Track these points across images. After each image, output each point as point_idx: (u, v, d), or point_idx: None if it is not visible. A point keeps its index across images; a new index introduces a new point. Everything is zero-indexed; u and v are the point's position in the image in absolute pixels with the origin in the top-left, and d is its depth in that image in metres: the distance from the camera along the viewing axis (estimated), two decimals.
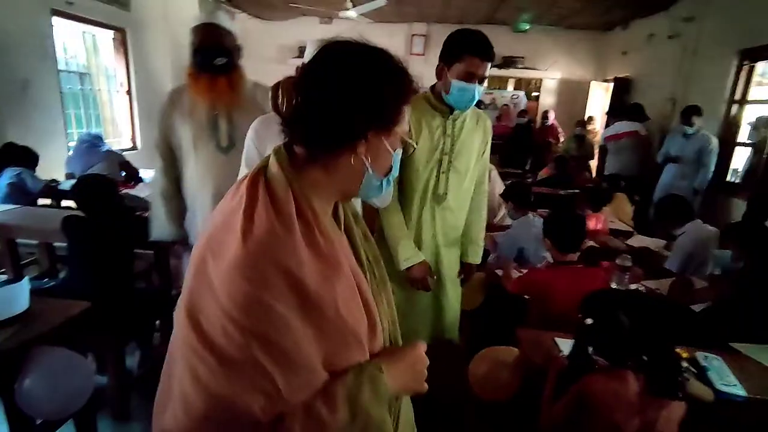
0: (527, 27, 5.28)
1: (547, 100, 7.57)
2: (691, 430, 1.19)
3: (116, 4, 4.37)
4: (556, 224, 1.84)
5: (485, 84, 1.47)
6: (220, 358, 0.55)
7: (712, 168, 3.96)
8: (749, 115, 4.11)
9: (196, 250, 0.63)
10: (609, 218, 3.48)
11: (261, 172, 0.64)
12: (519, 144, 6.23)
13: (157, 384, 0.64)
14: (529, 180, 5.02)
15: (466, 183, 1.63)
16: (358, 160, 0.65)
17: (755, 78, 4.01)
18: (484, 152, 1.67)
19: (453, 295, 1.73)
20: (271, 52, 7.25)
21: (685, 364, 1.43)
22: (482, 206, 1.76)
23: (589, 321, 1.19)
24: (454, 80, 1.42)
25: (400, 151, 0.71)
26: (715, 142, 3.96)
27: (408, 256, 1.56)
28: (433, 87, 1.55)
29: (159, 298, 2.19)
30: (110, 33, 4.52)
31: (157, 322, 2.24)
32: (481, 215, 1.76)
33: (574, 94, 7.23)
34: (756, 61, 3.94)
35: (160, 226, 1.79)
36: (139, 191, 3.24)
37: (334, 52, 0.65)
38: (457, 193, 1.61)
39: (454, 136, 1.56)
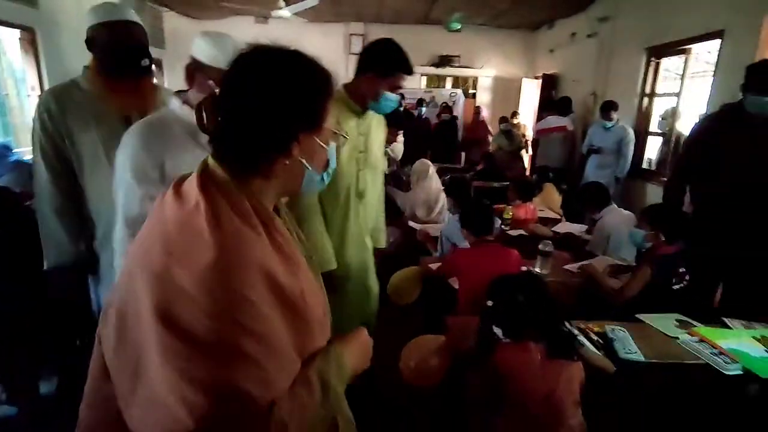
0: (459, 26, 5.45)
1: (483, 97, 7.87)
2: (597, 397, 1.29)
3: (22, 1, 4.01)
4: (467, 214, 2.04)
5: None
6: (214, 355, 0.58)
7: (630, 157, 4.29)
8: (658, 107, 4.50)
9: (149, 262, 0.62)
10: (539, 207, 3.68)
11: (207, 178, 0.66)
12: (445, 140, 6.37)
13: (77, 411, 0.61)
14: (469, 175, 5.21)
15: (377, 177, 1.76)
16: (295, 161, 0.68)
17: (661, 73, 4.39)
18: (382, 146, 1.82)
19: (375, 282, 1.87)
20: None
21: (594, 337, 1.56)
22: (383, 196, 1.92)
23: (489, 303, 1.29)
24: (386, 92, 1.56)
25: (334, 145, 0.75)
26: (631, 133, 4.30)
27: (331, 257, 1.60)
28: (346, 87, 1.59)
29: (78, 313, 2.04)
30: (17, 33, 4.14)
31: (78, 341, 2.09)
32: (383, 205, 1.92)
33: (507, 91, 7.56)
34: (661, 58, 4.32)
35: (59, 249, 1.52)
36: None
37: (248, 61, 0.67)
38: (372, 188, 1.73)
39: (366, 135, 1.66)
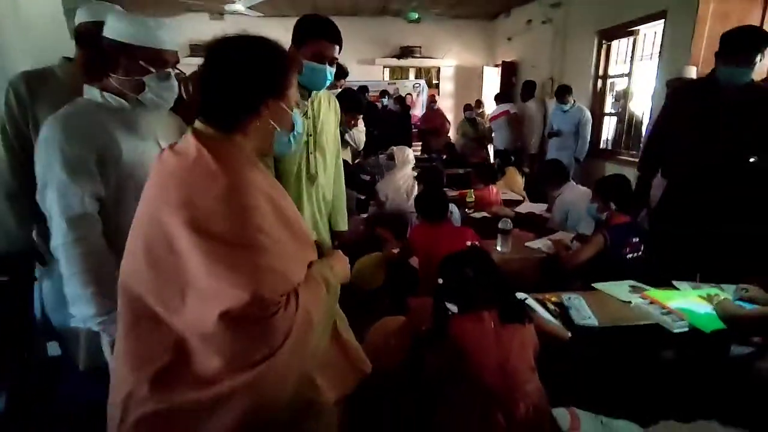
0: (416, 16, 5.46)
1: (446, 86, 7.94)
2: (553, 363, 1.32)
3: None
4: (421, 201, 2.10)
5: (334, 67, 1.53)
6: (243, 246, 0.75)
7: (588, 138, 4.42)
8: (612, 88, 4.65)
9: (169, 200, 0.77)
10: (502, 190, 3.75)
11: (200, 135, 0.83)
12: (398, 130, 5.97)
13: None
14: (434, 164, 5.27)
15: (329, 159, 1.72)
16: (265, 122, 0.86)
17: (613, 55, 4.54)
18: (337, 129, 1.78)
19: None
20: None
21: (551, 306, 1.60)
22: (340, 179, 1.88)
23: (440, 281, 1.33)
24: (306, 61, 1.45)
25: (297, 111, 0.91)
26: (587, 114, 4.42)
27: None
28: None
29: (19, 323, 1.91)
30: None
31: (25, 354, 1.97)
32: (342, 187, 1.89)
33: (469, 80, 7.66)
34: (611, 40, 4.46)
35: (7, 235, 1.44)
36: None
37: (224, 44, 0.85)
38: (324, 171, 1.70)
39: (314, 117, 1.61)
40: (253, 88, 0.84)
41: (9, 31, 4.58)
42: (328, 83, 1.56)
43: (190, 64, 1.15)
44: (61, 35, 1.73)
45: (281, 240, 0.80)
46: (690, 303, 1.62)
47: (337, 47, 1.51)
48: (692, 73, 2.68)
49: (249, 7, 5.03)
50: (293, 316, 0.77)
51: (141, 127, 1.19)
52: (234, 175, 0.77)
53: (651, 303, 1.63)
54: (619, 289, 1.76)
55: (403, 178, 3.08)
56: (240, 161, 0.82)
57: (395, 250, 2.18)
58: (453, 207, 2.44)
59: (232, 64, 0.83)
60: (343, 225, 1.88)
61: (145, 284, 0.79)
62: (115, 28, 1.12)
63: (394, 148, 3.26)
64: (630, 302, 1.66)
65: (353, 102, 2.96)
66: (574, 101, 4.48)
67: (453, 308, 1.31)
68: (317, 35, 1.47)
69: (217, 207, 0.74)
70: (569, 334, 1.41)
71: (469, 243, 1.50)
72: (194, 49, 7.18)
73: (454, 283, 1.34)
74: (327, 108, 1.70)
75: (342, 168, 1.90)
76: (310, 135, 1.60)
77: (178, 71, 1.24)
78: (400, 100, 6.32)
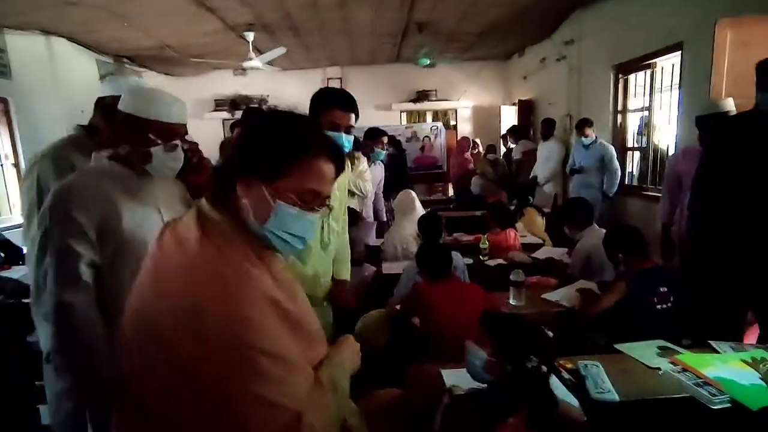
0: (428, 62, 5.53)
1: (464, 127, 7.94)
2: None
3: None
4: (423, 257, 1.96)
5: (351, 135, 1.57)
6: (241, 374, 0.68)
7: (618, 173, 4.18)
8: (632, 122, 4.49)
9: (169, 305, 0.71)
10: (521, 233, 3.57)
11: (205, 221, 0.77)
12: (394, 172, 5.24)
13: None
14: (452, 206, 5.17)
15: (340, 223, 1.75)
16: (243, 200, 0.77)
17: (631, 89, 4.41)
18: (344, 190, 1.81)
19: (325, 314, 1.77)
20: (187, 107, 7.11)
21: (566, 375, 1.42)
22: (344, 237, 1.86)
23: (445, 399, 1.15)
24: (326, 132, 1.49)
25: (289, 208, 0.77)
26: (611, 149, 4.24)
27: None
28: None
29: None
30: None
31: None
32: (345, 238, 1.85)
33: (488, 119, 7.63)
34: (628, 74, 4.34)
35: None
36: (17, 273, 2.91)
37: (248, 115, 0.91)
38: (335, 235, 1.71)
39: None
40: (242, 158, 0.78)
41: (49, 98, 4.94)
42: (346, 151, 1.57)
43: (214, 118, 1.17)
44: (95, 97, 1.81)
45: (282, 354, 0.73)
46: (731, 371, 1.39)
47: (353, 115, 1.55)
48: (728, 105, 2.44)
49: (267, 63, 5.26)
50: None
51: (144, 194, 1.21)
52: (236, 284, 0.71)
53: (684, 370, 1.41)
54: (646, 352, 1.55)
55: (411, 225, 2.97)
56: (246, 256, 0.75)
57: (398, 307, 2.05)
58: (457, 258, 2.27)
59: (242, 135, 0.81)
60: (345, 273, 1.84)
61: (143, 382, 0.74)
62: (130, 102, 1.18)
63: (402, 193, 3.20)
64: (659, 369, 1.45)
65: (372, 131, 3.28)
66: (596, 137, 4.31)
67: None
68: (331, 105, 1.51)
69: (215, 325, 0.68)
70: (584, 418, 1.21)
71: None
72: (219, 104, 7.56)
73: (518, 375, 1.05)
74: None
75: (346, 221, 1.87)
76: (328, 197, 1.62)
77: (188, 141, 1.29)
78: (393, 141, 5.98)
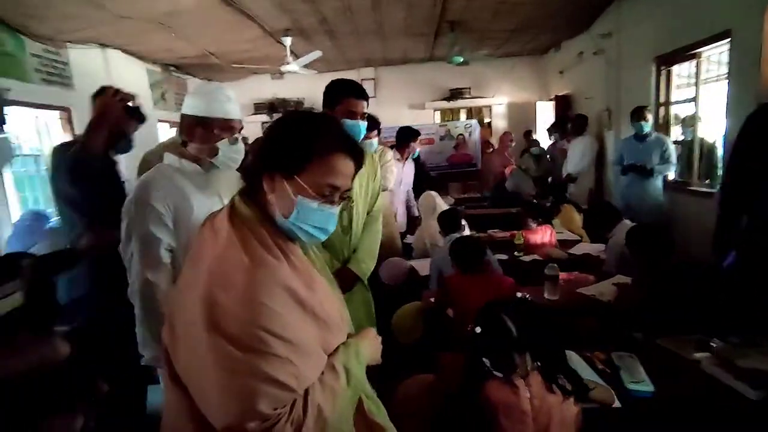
0: (461, 60, 5.53)
1: (499, 124, 7.84)
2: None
3: (58, 84, 4.46)
4: (455, 250, 2.00)
5: (365, 121, 1.67)
6: (253, 354, 0.74)
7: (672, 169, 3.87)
8: (676, 115, 4.31)
9: (197, 289, 0.78)
10: (557, 229, 3.53)
11: (235, 215, 0.84)
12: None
13: None
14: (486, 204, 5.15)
15: (361, 209, 1.79)
16: (269, 195, 0.84)
17: (674, 80, 4.24)
18: (375, 182, 1.84)
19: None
20: None
21: (600, 366, 1.43)
22: (373, 228, 1.86)
23: (477, 329, 1.20)
24: (344, 120, 1.60)
25: (309, 202, 0.83)
26: (670, 140, 3.93)
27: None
28: None
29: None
30: (56, 113, 4.58)
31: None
32: (371, 235, 1.84)
33: (523, 116, 7.51)
34: (671, 65, 4.18)
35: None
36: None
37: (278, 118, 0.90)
38: (358, 220, 1.77)
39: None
40: (265, 155, 0.85)
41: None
42: (361, 136, 1.68)
43: (253, 122, 1.30)
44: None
45: (295, 338, 0.78)
46: None
47: (365, 102, 1.65)
48: None
49: (304, 66, 5.43)
50: (300, 420, 0.76)
51: (209, 186, 1.38)
52: (255, 270, 0.77)
53: (723, 363, 1.39)
54: (684, 345, 1.54)
55: (436, 223, 3.03)
56: (267, 246, 0.81)
57: (432, 299, 2.10)
58: (489, 254, 2.31)
59: (265, 133, 0.88)
60: (355, 265, 1.80)
61: (176, 357, 0.83)
62: (192, 105, 1.34)
63: (423, 195, 3.26)
64: (699, 362, 1.43)
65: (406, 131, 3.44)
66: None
67: (487, 363, 1.20)
68: (345, 95, 1.61)
69: (233, 306, 0.75)
70: (615, 398, 1.23)
71: (519, 294, 1.37)
72: (258, 107, 7.85)
73: (493, 335, 1.21)
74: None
75: (377, 217, 1.90)
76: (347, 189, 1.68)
77: (244, 136, 1.46)
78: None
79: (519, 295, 1.34)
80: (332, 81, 1.67)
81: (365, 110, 1.65)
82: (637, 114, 3.86)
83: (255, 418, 0.72)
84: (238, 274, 0.76)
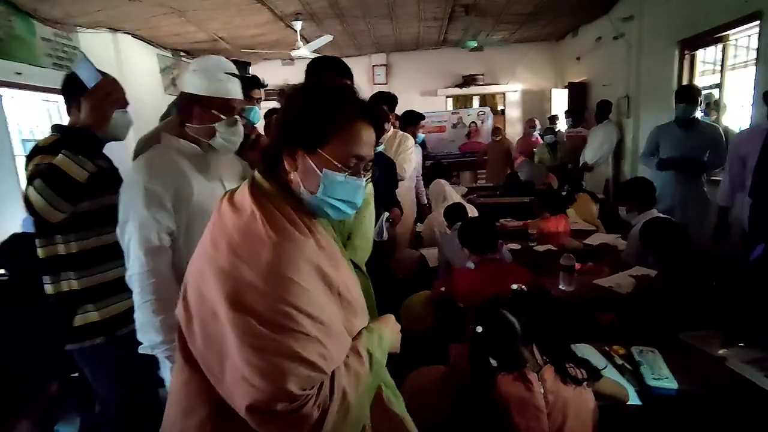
0: (475, 45, 5.39)
1: (513, 112, 7.68)
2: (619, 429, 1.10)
3: (67, 69, 4.46)
4: (466, 232, 1.93)
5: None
6: (279, 331, 0.69)
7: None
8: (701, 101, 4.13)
9: (217, 262, 0.74)
10: (573, 219, 3.44)
11: (257, 189, 0.80)
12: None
13: None
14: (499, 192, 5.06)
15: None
16: (293, 173, 0.81)
17: (698, 66, 4.07)
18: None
19: None
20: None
21: (619, 361, 1.37)
22: (366, 212, 1.76)
23: (479, 329, 1.14)
24: None
25: (335, 175, 0.80)
26: (720, 129, 3.20)
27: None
28: None
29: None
30: None
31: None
32: (364, 220, 1.75)
33: (538, 103, 7.35)
34: (695, 50, 4.01)
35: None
36: None
37: (288, 94, 0.84)
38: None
39: None
40: (285, 132, 0.81)
41: None
42: None
43: (264, 108, 1.24)
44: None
45: (322, 317, 0.74)
46: None
47: (348, 81, 1.56)
48: None
49: (314, 51, 5.34)
50: (326, 403, 0.72)
51: (210, 169, 1.32)
52: (283, 247, 0.73)
53: (752, 361, 1.32)
54: (709, 341, 1.47)
55: None
56: (293, 221, 0.78)
57: (442, 289, 2.05)
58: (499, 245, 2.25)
59: (282, 111, 0.84)
60: (351, 252, 1.68)
61: (191, 336, 0.79)
62: (191, 83, 1.28)
63: (433, 183, 3.20)
64: (724, 359, 1.36)
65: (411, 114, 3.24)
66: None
67: (495, 363, 1.16)
68: (320, 70, 1.55)
69: (259, 280, 0.71)
70: (627, 395, 1.17)
71: (514, 286, 1.31)
72: (268, 94, 7.79)
73: (496, 332, 1.17)
74: None
75: (369, 201, 1.80)
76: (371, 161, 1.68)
77: (245, 118, 1.37)
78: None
79: (515, 286, 1.27)
80: (314, 59, 1.61)
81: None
82: (684, 94, 3.04)
83: (284, 398, 0.68)
84: (264, 248, 0.72)
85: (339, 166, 0.79)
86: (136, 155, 1.55)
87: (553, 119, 6.10)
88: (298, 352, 0.70)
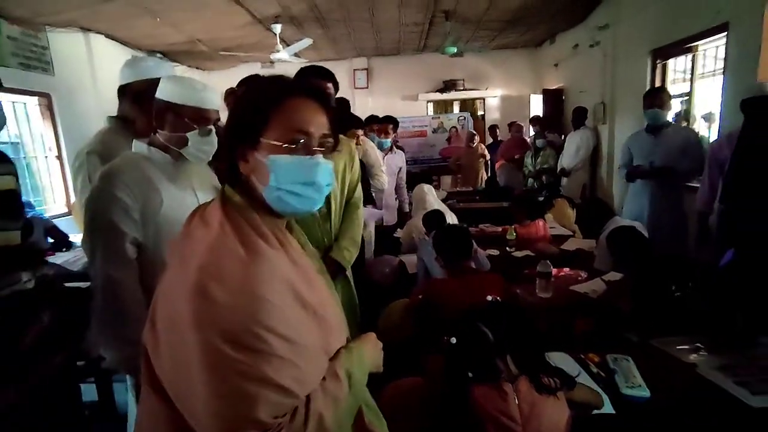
0: (455, 50, 5.44)
1: (492, 117, 7.78)
2: None
3: (38, 70, 4.29)
4: (439, 240, 1.93)
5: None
6: (250, 354, 0.65)
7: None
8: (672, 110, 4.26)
9: (186, 280, 0.69)
10: (550, 224, 3.49)
11: (227, 203, 0.76)
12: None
13: None
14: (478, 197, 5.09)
15: (339, 196, 1.80)
16: (247, 176, 0.77)
17: (670, 74, 4.19)
18: (353, 170, 1.86)
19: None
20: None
21: (594, 369, 1.38)
22: (354, 217, 1.89)
23: (453, 340, 1.15)
24: None
25: (281, 158, 0.73)
26: (696, 133, 3.21)
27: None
28: None
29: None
30: (36, 99, 4.42)
31: None
32: (351, 222, 1.87)
33: (517, 109, 7.45)
34: (667, 59, 4.13)
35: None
36: (61, 258, 3.06)
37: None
38: (336, 209, 1.79)
39: None
40: (227, 138, 0.78)
41: (89, 93, 5.12)
42: None
43: None
44: None
45: (297, 338, 0.70)
46: None
47: (329, 84, 1.67)
48: None
49: (294, 54, 5.30)
50: (300, 430, 0.68)
51: (181, 178, 1.28)
52: (253, 261, 0.69)
53: (722, 367, 1.35)
54: (682, 348, 1.49)
55: None
56: (263, 235, 0.73)
57: (420, 296, 2.04)
58: (477, 250, 2.26)
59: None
60: (337, 253, 1.79)
61: (159, 361, 0.74)
62: (167, 89, 1.24)
63: (416, 188, 3.19)
64: (695, 365, 1.39)
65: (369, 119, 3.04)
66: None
67: (471, 375, 1.15)
68: (302, 76, 1.65)
69: (229, 301, 0.66)
70: (602, 401, 1.18)
71: (489, 297, 1.32)
72: None
73: (470, 343, 1.16)
74: (339, 151, 1.75)
75: (359, 205, 1.93)
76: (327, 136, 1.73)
77: (221, 127, 1.32)
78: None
79: (489, 298, 1.27)
80: (300, 70, 1.70)
81: (329, 91, 1.67)
82: (651, 98, 2.93)
83: (252, 427, 0.64)
84: (234, 265, 0.68)
85: (283, 146, 0.73)
86: (87, 170, 1.49)
87: (541, 134, 6.12)
88: (269, 377, 0.66)
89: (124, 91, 1.59)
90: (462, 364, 1.15)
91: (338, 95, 3.11)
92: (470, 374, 1.13)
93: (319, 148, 0.76)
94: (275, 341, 0.67)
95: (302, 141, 0.74)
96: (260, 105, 0.74)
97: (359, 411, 0.83)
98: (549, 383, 1.11)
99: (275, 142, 0.73)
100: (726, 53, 3.25)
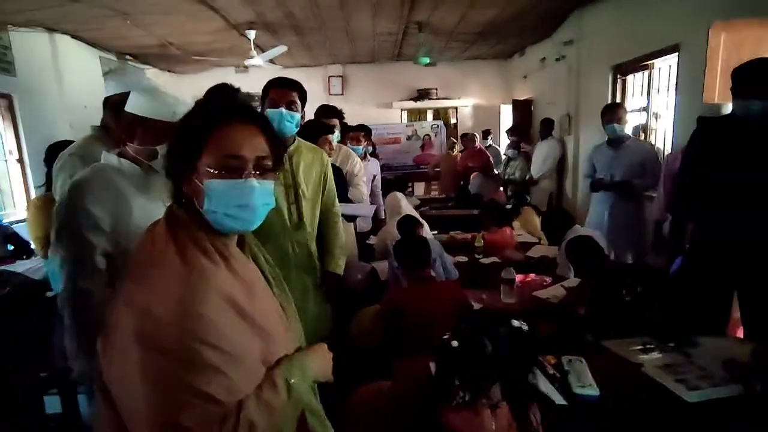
0: (428, 61, 5.57)
1: (465, 125, 7.96)
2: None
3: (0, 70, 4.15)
4: (398, 249, 2.02)
5: (298, 111, 1.74)
6: (183, 366, 0.69)
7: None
8: (631, 123, 4.50)
9: (131, 297, 0.74)
10: (517, 231, 3.62)
11: (173, 220, 0.79)
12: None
13: None
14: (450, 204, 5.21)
15: (310, 204, 1.84)
16: (191, 197, 0.80)
17: (629, 89, 4.43)
18: (326, 180, 1.91)
19: (317, 303, 1.88)
20: (190, 105, 7.16)
21: (550, 371, 1.46)
22: (337, 228, 1.97)
23: (454, 343, 1.11)
24: (267, 110, 1.70)
25: (213, 182, 0.77)
26: (652, 146, 3.47)
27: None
28: None
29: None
30: None
31: None
32: (336, 232, 1.96)
33: (489, 118, 7.66)
34: (626, 75, 4.37)
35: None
36: (23, 266, 2.96)
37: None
38: (309, 217, 1.83)
39: (293, 169, 1.76)
40: (168, 163, 0.82)
41: (53, 95, 4.96)
42: (290, 126, 1.72)
43: None
44: (98, 93, 1.89)
45: (230, 349, 0.73)
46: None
47: (291, 92, 1.72)
48: (726, 108, 2.41)
49: (269, 61, 5.30)
50: None
51: (151, 190, 1.28)
52: (193, 280, 0.73)
53: (664, 366, 1.46)
54: (630, 348, 1.60)
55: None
56: (205, 250, 0.77)
57: (386, 304, 2.09)
58: (434, 244, 2.35)
59: None
60: (334, 265, 1.92)
61: (109, 367, 0.77)
62: (136, 103, 1.25)
63: (389, 196, 3.26)
64: (641, 365, 1.50)
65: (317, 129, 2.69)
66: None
67: (457, 381, 1.10)
68: (268, 86, 1.74)
69: (166, 317, 0.70)
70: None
71: (515, 323, 1.24)
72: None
73: (470, 355, 1.09)
74: (310, 160, 1.84)
75: (338, 212, 2.00)
76: (290, 186, 1.75)
77: None
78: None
79: (515, 323, 1.20)
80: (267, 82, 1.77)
81: (293, 100, 1.71)
82: (609, 114, 3.14)
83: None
84: (173, 281, 0.73)
85: (214, 171, 0.77)
86: (69, 172, 1.50)
87: (486, 133, 6.31)
88: (197, 386, 0.69)
89: (106, 102, 1.65)
90: (453, 369, 1.12)
91: (322, 103, 3.17)
92: (458, 382, 1.10)
93: (254, 171, 0.80)
94: (207, 352, 0.70)
95: (234, 165, 0.78)
96: (195, 132, 0.79)
97: (302, 418, 0.84)
98: (533, 420, 1.11)
99: (208, 168, 0.77)
100: (677, 72, 3.48)
